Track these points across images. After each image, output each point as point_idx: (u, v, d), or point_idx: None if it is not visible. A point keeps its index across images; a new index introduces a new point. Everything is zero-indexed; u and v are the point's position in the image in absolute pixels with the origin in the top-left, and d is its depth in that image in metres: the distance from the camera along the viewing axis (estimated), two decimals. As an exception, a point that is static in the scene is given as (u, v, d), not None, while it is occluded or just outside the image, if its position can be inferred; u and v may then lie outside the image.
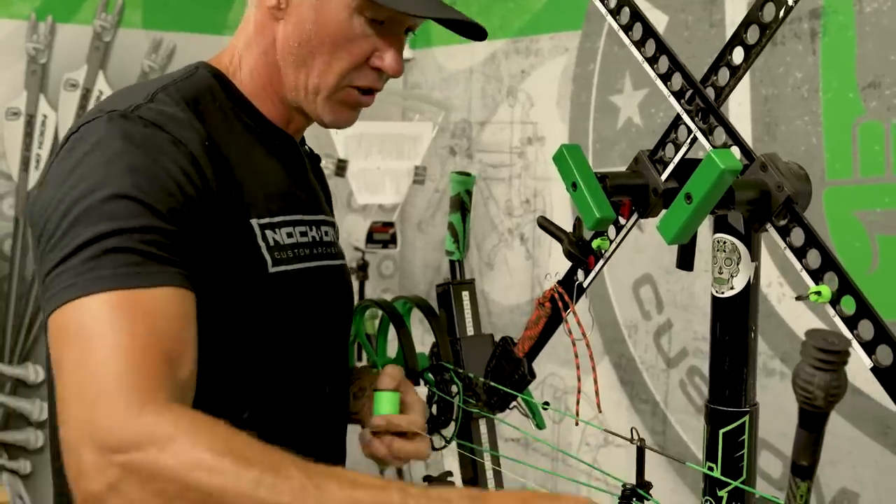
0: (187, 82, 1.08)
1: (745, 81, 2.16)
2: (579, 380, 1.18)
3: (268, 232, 1.08)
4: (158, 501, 0.77)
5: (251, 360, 1.08)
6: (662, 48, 1.06)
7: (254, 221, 1.06)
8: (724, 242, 1.00)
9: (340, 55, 1.09)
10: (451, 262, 1.49)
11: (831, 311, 0.89)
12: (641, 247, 2.43)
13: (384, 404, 1.25)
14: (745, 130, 2.16)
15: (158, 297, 0.89)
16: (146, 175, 0.92)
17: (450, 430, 1.35)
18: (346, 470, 0.85)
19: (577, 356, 1.16)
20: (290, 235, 1.11)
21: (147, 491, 0.77)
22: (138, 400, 0.81)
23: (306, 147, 1.34)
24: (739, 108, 2.17)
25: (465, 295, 1.45)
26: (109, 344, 0.84)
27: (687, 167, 1.01)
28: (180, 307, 0.91)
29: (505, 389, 1.26)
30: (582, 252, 1.14)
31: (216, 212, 0.99)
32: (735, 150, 0.99)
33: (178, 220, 0.93)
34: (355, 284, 3.44)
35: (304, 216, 1.16)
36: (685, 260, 1.08)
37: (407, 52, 3.48)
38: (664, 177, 1.05)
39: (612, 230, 1.15)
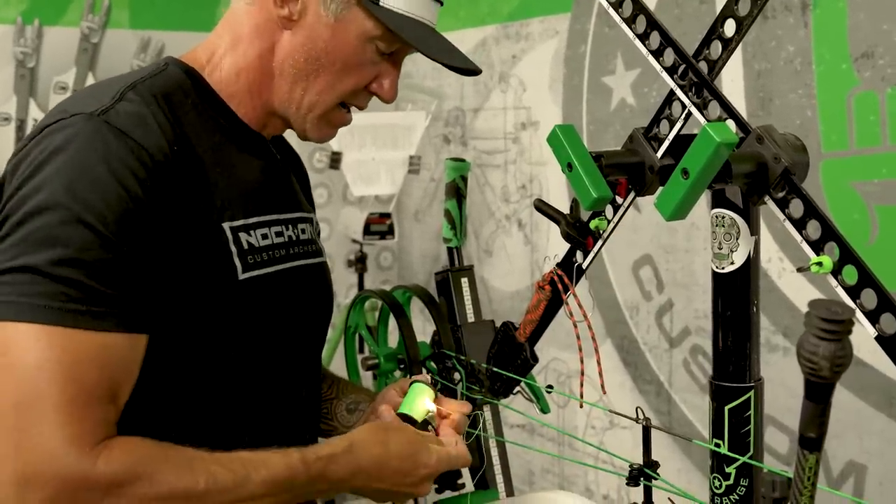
0: (158, 79, 1.04)
1: (738, 57, 2.15)
2: (582, 362, 1.17)
3: (241, 234, 1.05)
4: None
5: (225, 367, 1.06)
6: (653, 24, 1.05)
7: (226, 225, 1.03)
8: (723, 217, 1.00)
9: (346, 79, 1.09)
10: (449, 250, 1.48)
11: (833, 282, 0.89)
12: (639, 227, 2.42)
13: (421, 394, 1.20)
14: (740, 106, 2.15)
15: (103, 341, 0.90)
16: (107, 194, 0.91)
17: (454, 418, 1.35)
18: (255, 453, 0.96)
19: (578, 338, 1.16)
20: (265, 237, 1.09)
21: None
22: (87, 450, 0.86)
23: (286, 143, 1.32)
24: (733, 83, 2.16)
25: (465, 282, 1.44)
26: (48, 383, 0.86)
27: (682, 143, 1.00)
28: (124, 352, 0.92)
29: (508, 375, 1.25)
30: (580, 233, 1.14)
31: (182, 221, 0.97)
32: (730, 124, 0.98)
33: (136, 244, 0.92)
34: (354, 277, 3.43)
35: (280, 215, 1.14)
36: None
37: (397, 42, 3.46)
38: (660, 154, 1.04)
39: (609, 210, 1.14)
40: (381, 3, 1.06)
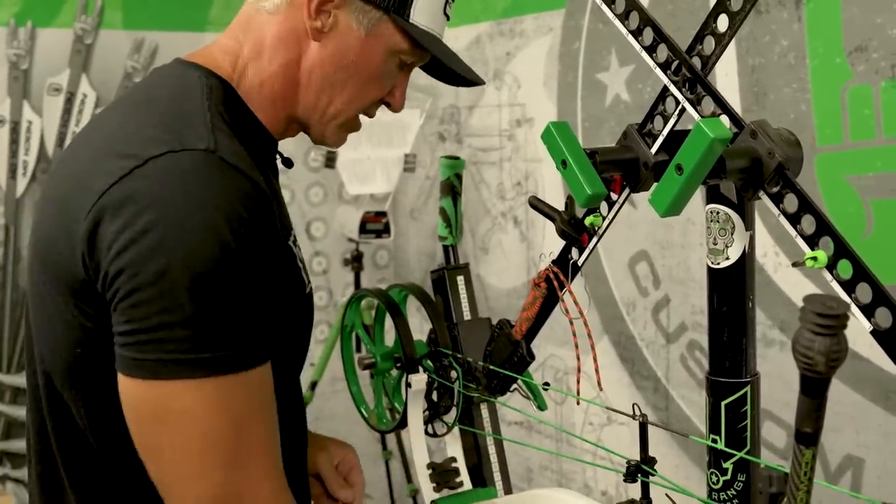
0: (213, 101, 1.01)
1: (732, 52, 2.15)
2: (578, 359, 1.17)
3: (295, 250, 1.08)
4: None
5: (287, 381, 1.10)
6: (646, 20, 1.05)
7: (290, 243, 1.06)
8: (718, 213, 1.00)
9: (370, 89, 1.12)
10: (445, 248, 1.48)
11: (828, 276, 0.89)
12: (635, 223, 2.42)
13: None
14: (734, 101, 2.15)
15: (265, 374, 0.93)
16: (244, 238, 0.89)
17: (451, 416, 1.35)
18: None
19: (575, 335, 1.16)
20: (299, 248, 1.11)
21: None
22: (283, 484, 0.92)
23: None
24: (727, 79, 2.16)
25: (461, 279, 1.44)
26: (245, 431, 0.89)
27: (676, 139, 1.00)
28: (270, 381, 0.95)
29: (505, 372, 1.25)
30: (575, 230, 1.14)
31: (278, 249, 0.99)
32: (724, 119, 0.98)
33: (264, 280, 0.92)
34: (350, 276, 3.43)
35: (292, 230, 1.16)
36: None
37: (391, 40, 3.46)
38: (654, 150, 1.04)
39: (604, 207, 1.14)
40: (410, 20, 1.08)
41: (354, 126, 1.17)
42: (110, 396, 0.93)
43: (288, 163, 1.25)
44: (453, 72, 1.15)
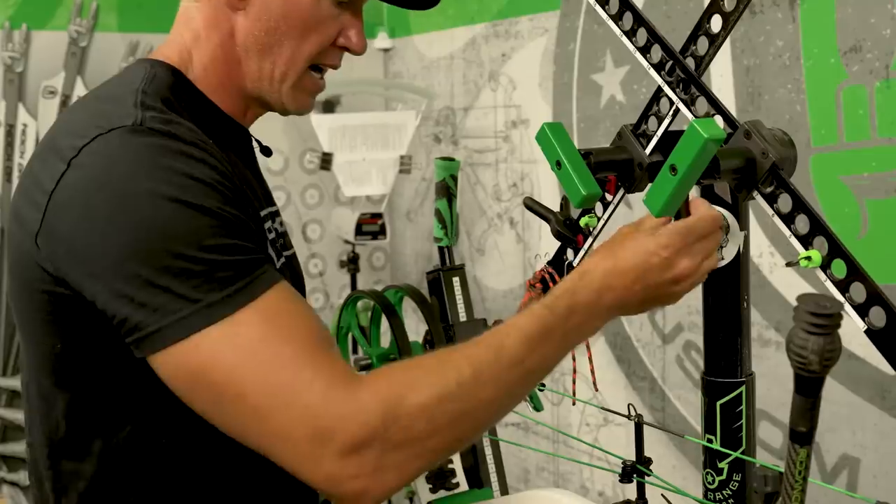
0: (153, 85, 1.02)
1: (727, 53, 2.15)
2: (574, 359, 1.17)
3: (267, 223, 1.07)
4: (443, 420, 0.86)
5: None
6: (640, 20, 1.05)
7: (263, 212, 1.05)
8: (712, 213, 1.00)
9: (310, 39, 1.08)
10: (441, 249, 1.48)
11: (822, 276, 0.89)
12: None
13: None
14: (729, 102, 2.15)
15: (282, 292, 0.89)
16: (194, 185, 0.88)
17: (447, 417, 1.34)
18: (501, 325, 0.95)
19: (570, 336, 1.16)
20: (269, 230, 1.10)
21: (422, 419, 0.85)
22: (346, 386, 0.85)
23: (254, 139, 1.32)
24: (722, 79, 2.16)
25: (456, 281, 1.44)
26: (286, 354, 0.85)
27: (671, 139, 1.00)
28: (296, 294, 0.93)
29: (500, 373, 1.25)
30: (570, 231, 1.14)
31: (246, 205, 0.97)
32: (718, 120, 0.98)
33: (239, 215, 0.91)
34: (346, 277, 3.43)
35: (269, 208, 1.15)
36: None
37: (386, 42, 3.46)
38: (648, 150, 1.04)
39: (599, 207, 1.14)
40: None
41: (311, 84, 1.13)
42: (91, 393, 0.95)
43: (266, 151, 1.24)
44: None
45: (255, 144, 1.20)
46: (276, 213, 1.18)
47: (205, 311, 0.84)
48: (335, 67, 1.13)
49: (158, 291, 0.85)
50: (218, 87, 1.10)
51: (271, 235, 1.09)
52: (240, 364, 0.85)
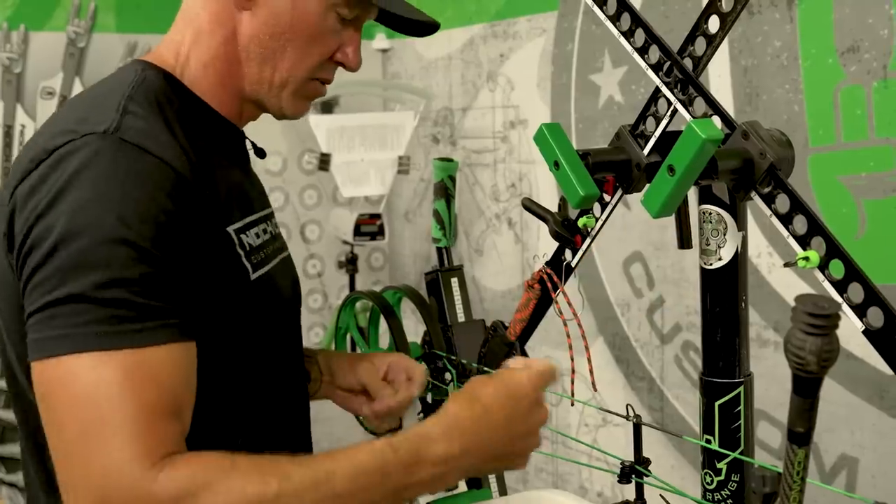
0: (143, 88, 1.03)
1: (725, 53, 2.15)
2: (572, 360, 1.17)
3: (242, 237, 1.05)
4: None
5: (242, 369, 1.06)
6: (638, 21, 1.05)
7: (230, 229, 1.03)
8: (710, 213, 1.00)
9: (312, 50, 1.08)
10: (439, 250, 1.48)
11: (820, 276, 0.89)
12: (629, 224, 2.43)
13: None
14: (727, 102, 2.15)
15: (162, 355, 0.89)
16: (138, 209, 0.89)
17: (446, 418, 1.34)
18: (333, 450, 0.90)
19: (569, 336, 1.16)
20: (258, 236, 1.09)
21: None
22: (150, 466, 0.84)
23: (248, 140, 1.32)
24: (720, 80, 2.16)
25: (454, 281, 1.44)
26: (110, 408, 0.85)
27: (669, 140, 1.00)
28: (182, 361, 0.91)
29: (499, 374, 1.25)
30: (568, 231, 1.14)
31: (202, 229, 0.97)
32: (716, 120, 0.98)
33: (171, 256, 0.91)
34: (345, 278, 3.43)
35: (261, 212, 1.14)
36: (683, 238, 1.07)
37: (384, 43, 3.46)
38: (646, 151, 1.05)
39: (597, 208, 1.14)
40: None
41: (309, 92, 1.13)
42: None
43: (260, 153, 1.23)
44: (405, 18, 1.13)
45: (249, 146, 1.20)
46: (268, 217, 1.17)
47: (82, 338, 0.86)
48: (328, 82, 1.13)
49: (61, 307, 0.86)
50: (216, 86, 1.09)
51: (258, 241, 1.08)
52: (77, 401, 0.85)
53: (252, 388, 1.08)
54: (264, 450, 0.96)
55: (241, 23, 1.07)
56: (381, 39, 3.45)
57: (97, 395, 0.85)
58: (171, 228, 0.91)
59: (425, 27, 1.17)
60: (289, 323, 1.17)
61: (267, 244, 1.12)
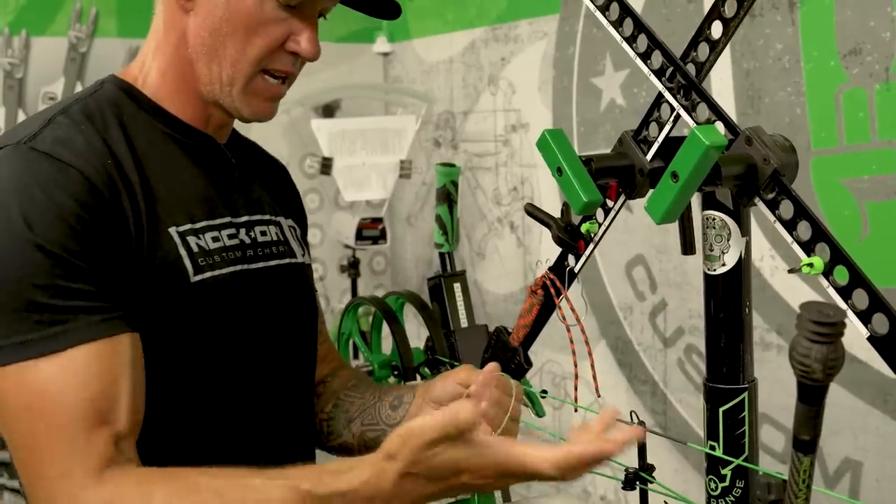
0: (91, 100, 1.06)
1: (726, 56, 2.15)
2: (576, 365, 1.17)
3: (190, 238, 1.04)
4: None
5: (191, 377, 1.04)
6: (640, 26, 1.05)
7: (173, 230, 1.03)
8: (714, 219, 1.00)
9: (254, 41, 1.06)
10: (441, 255, 1.48)
11: (825, 282, 0.89)
12: (632, 228, 2.42)
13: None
14: (729, 105, 2.15)
15: (82, 357, 0.91)
16: (46, 214, 0.92)
17: (449, 424, 1.34)
18: (258, 472, 0.90)
19: (572, 342, 1.16)
20: (216, 240, 1.07)
21: None
22: (81, 478, 0.89)
23: (259, 149, 1.31)
24: (722, 83, 2.16)
25: (457, 287, 1.44)
26: (36, 421, 0.90)
27: (672, 145, 1.00)
28: (109, 359, 0.93)
29: (502, 380, 1.25)
30: (571, 237, 1.13)
31: (128, 233, 0.98)
32: (719, 126, 0.98)
33: (86, 257, 0.93)
34: (347, 282, 3.42)
35: (234, 219, 1.12)
36: (687, 244, 1.06)
37: (386, 46, 3.46)
38: (649, 156, 1.04)
39: (600, 213, 1.14)
40: None
41: (263, 89, 1.09)
42: None
43: (231, 160, 1.22)
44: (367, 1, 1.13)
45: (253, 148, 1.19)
46: (251, 224, 1.14)
47: (11, 348, 0.89)
48: (288, 74, 1.10)
49: None
50: (175, 92, 1.10)
51: (214, 245, 1.07)
52: (19, 410, 0.90)
53: (208, 394, 1.06)
54: (233, 457, 0.97)
55: (188, 25, 1.07)
56: (382, 43, 3.46)
57: (21, 409, 0.91)
58: (81, 232, 0.93)
59: (389, 9, 1.15)
60: (266, 330, 1.12)
61: (232, 248, 1.09)
